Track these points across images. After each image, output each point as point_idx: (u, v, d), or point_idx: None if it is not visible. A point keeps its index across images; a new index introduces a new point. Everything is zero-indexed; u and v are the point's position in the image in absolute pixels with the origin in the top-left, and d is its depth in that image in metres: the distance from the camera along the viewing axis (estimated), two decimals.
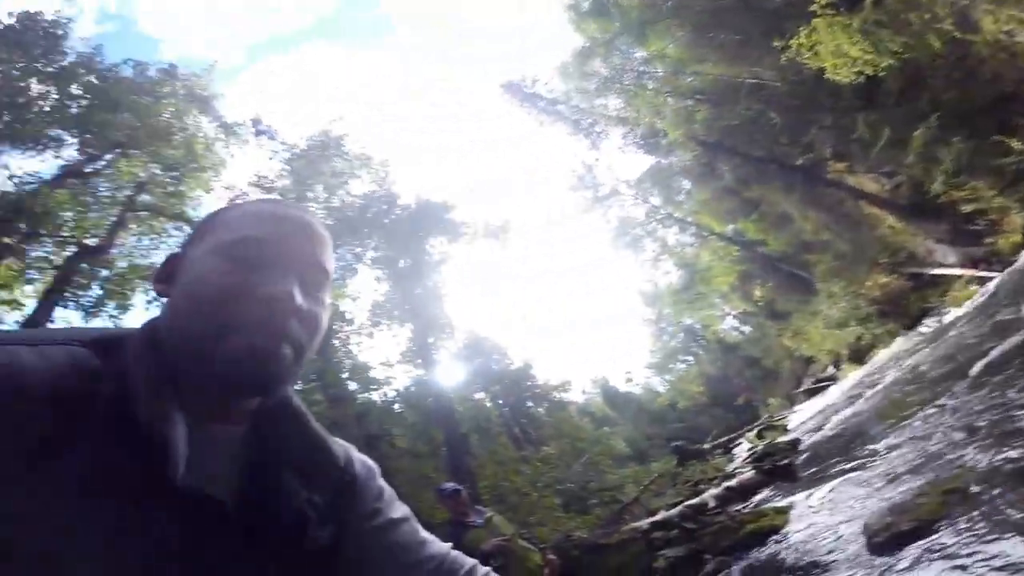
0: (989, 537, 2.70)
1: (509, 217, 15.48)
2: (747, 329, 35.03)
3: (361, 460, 0.71)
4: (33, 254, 10.21)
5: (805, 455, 8.58)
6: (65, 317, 9.99)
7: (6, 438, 0.40)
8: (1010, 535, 2.62)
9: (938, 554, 2.94)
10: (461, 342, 15.73)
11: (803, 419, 13.85)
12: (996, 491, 3.08)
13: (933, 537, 3.15)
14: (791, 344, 24.84)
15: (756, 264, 19.89)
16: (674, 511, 7.61)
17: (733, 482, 8.51)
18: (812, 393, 22.31)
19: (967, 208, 12.11)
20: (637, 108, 17.04)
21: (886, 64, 10.20)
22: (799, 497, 5.90)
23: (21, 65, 10.71)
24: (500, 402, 18.36)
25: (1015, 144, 10.01)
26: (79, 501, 0.42)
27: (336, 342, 12.01)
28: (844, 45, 10.12)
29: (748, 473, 8.39)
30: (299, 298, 0.52)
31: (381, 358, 13.57)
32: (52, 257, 10.41)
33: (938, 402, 5.51)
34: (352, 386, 12.28)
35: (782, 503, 6.04)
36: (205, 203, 13.82)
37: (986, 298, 9.73)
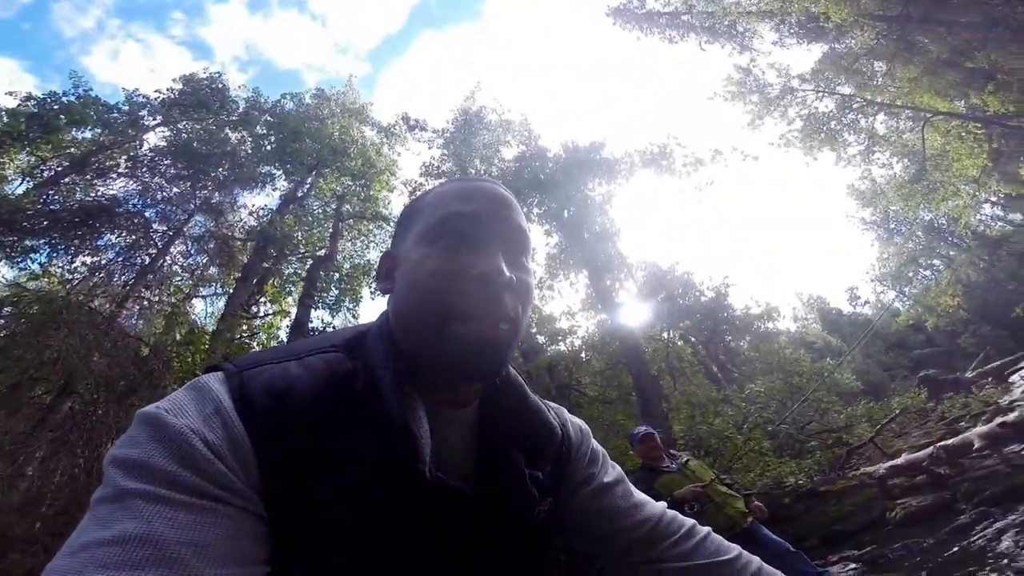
0: None
1: (666, 142, 14.28)
2: (1017, 217, 26.37)
3: (575, 424, 0.71)
4: (286, 272, 13.26)
5: None
6: (319, 316, 12.63)
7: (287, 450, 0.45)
8: None
9: None
10: (641, 280, 15.42)
11: None
12: None
13: None
14: None
15: (1014, 139, 14.70)
16: (922, 453, 6.49)
17: (1011, 416, 6.84)
18: None
19: None
20: None
21: None
22: None
23: (211, 120, 12.75)
24: (693, 339, 17.56)
25: None
26: (345, 505, 0.46)
27: None
28: None
29: None
30: (507, 271, 0.53)
31: (563, 308, 14.24)
32: (298, 271, 13.44)
33: None
34: (540, 339, 13.26)
35: None
36: (394, 201, 16.09)
37: None
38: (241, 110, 14.21)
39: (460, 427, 0.57)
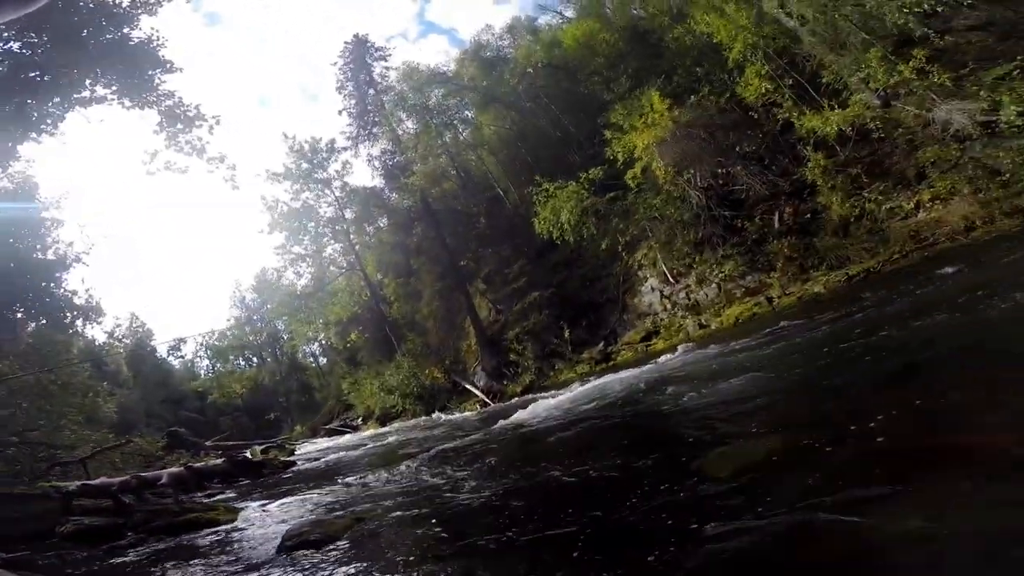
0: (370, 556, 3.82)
1: None
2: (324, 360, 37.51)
3: None
4: None
5: (292, 471, 9.89)
6: None
7: None
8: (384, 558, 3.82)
9: (328, 560, 3.92)
10: None
11: (313, 449, 15.40)
12: (382, 524, 4.43)
13: (329, 547, 4.18)
14: (346, 388, 27.69)
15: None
16: (116, 479, 6.98)
17: (197, 464, 8.62)
18: (332, 433, 25.13)
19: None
20: None
21: None
22: (257, 504, 6.64)
23: None
24: None
25: None
26: None
27: None
28: None
29: (217, 461, 8.74)
30: None
31: None
32: None
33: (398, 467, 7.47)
34: None
35: (239, 504, 6.64)
36: None
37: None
38: None
39: None
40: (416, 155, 22.99)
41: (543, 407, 8.78)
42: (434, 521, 4.20)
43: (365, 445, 12.80)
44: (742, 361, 6.79)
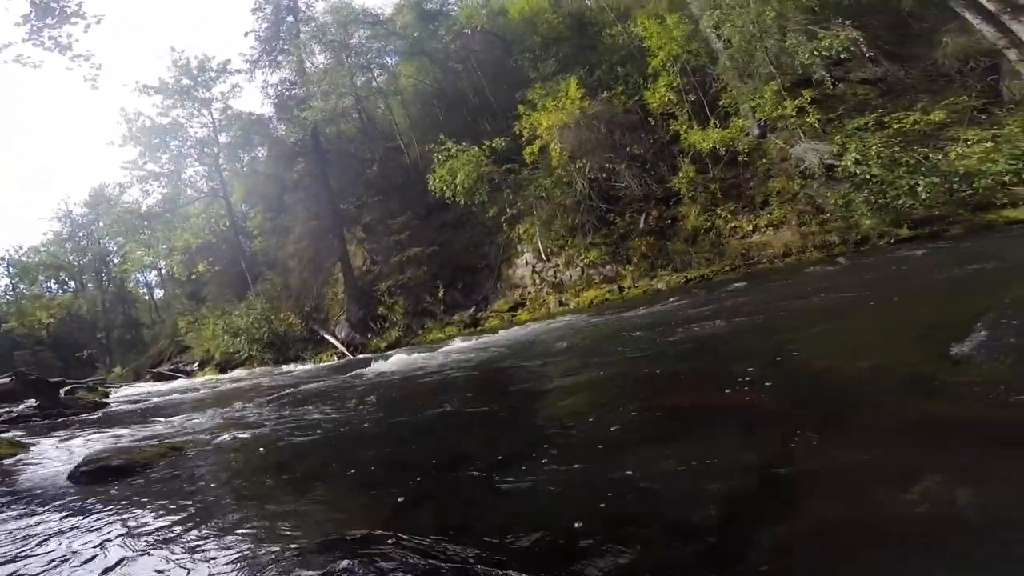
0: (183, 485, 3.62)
1: None
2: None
3: None
4: None
5: (103, 412, 8.94)
6: None
7: None
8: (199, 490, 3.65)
9: (130, 489, 3.61)
10: None
11: (134, 392, 13.83)
12: (202, 453, 4.24)
13: (135, 476, 3.87)
14: (183, 327, 25.01)
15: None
16: None
17: None
18: (161, 377, 22.53)
19: None
20: None
21: None
22: (53, 441, 5.94)
23: None
24: None
25: None
26: None
27: None
28: None
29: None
30: None
31: None
32: None
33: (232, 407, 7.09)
34: None
35: (28, 440, 5.90)
36: None
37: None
38: None
39: None
40: (319, 90, 21.11)
41: (404, 361, 8.90)
42: (262, 450, 4.14)
43: (198, 391, 11.83)
44: (585, 334, 7.58)
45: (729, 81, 14.43)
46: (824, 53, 12.25)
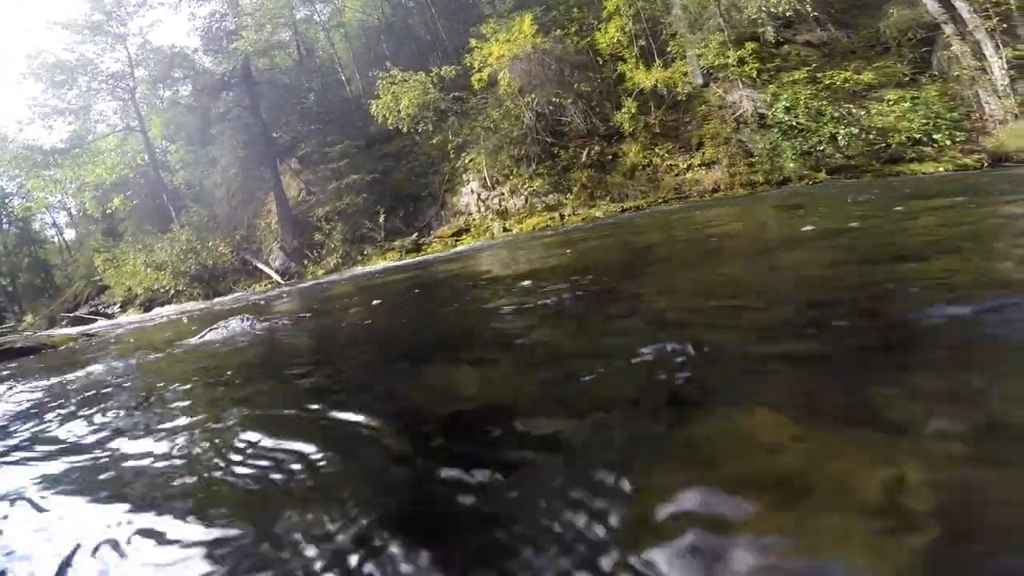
0: None
1: None
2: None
3: None
4: None
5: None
6: None
7: None
8: None
9: None
10: None
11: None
12: None
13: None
14: (100, 265, 23.57)
15: None
16: None
17: None
18: (79, 321, 21.28)
19: None
20: None
21: None
22: None
23: None
24: None
25: None
26: None
27: None
28: None
29: None
30: None
31: None
32: None
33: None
34: None
35: None
36: None
37: None
38: None
39: None
40: (252, 22, 19.78)
41: (346, 276, 9.02)
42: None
43: (120, 327, 11.37)
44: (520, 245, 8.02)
45: (679, 29, 14.91)
46: (772, 9, 12.94)
